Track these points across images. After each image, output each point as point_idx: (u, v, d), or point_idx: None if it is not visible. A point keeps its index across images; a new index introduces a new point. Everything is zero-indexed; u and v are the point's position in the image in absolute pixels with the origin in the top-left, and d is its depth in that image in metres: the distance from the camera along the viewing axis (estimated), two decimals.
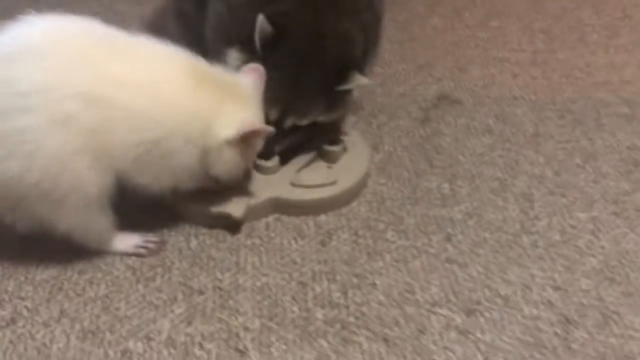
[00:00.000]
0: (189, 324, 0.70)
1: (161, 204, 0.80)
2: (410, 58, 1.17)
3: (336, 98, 0.83)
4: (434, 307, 0.72)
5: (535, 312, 0.71)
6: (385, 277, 0.75)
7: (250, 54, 0.81)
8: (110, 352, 0.67)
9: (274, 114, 0.82)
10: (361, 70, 0.83)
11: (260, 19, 0.78)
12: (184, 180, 0.74)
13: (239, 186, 0.81)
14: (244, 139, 0.73)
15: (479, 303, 0.72)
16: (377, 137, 0.98)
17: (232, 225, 0.81)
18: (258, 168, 0.85)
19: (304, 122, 0.83)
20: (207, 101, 0.71)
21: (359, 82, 0.82)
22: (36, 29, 0.68)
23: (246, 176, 0.82)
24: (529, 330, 0.69)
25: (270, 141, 0.80)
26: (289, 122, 0.83)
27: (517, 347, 0.67)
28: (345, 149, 0.90)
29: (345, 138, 0.91)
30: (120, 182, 0.72)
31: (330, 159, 0.88)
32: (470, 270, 0.76)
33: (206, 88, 0.71)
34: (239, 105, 0.73)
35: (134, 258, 0.77)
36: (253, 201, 0.81)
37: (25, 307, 0.71)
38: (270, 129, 0.74)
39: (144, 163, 0.70)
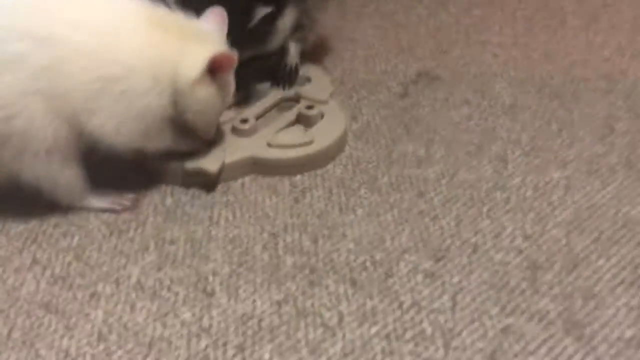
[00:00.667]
0: (159, 269, 0.71)
1: (136, 163, 0.81)
2: (393, 42, 1.19)
3: (259, 32, 0.87)
4: (403, 254, 0.72)
5: (504, 258, 0.71)
6: (357, 228, 0.76)
7: None
8: (79, 295, 0.68)
9: None
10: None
11: None
12: (152, 131, 0.74)
13: (212, 143, 0.83)
14: (214, 73, 0.74)
15: (448, 250, 0.72)
16: (357, 109, 0.99)
17: (207, 183, 0.82)
18: (235, 130, 0.87)
19: (244, 56, 0.82)
20: (169, 43, 0.72)
21: (262, 13, 0.85)
22: None
23: (219, 132, 0.83)
24: (497, 274, 0.69)
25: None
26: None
27: (484, 289, 0.67)
28: (322, 115, 0.91)
29: (321, 106, 0.93)
30: (89, 140, 0.73)
31: (307, 123, 0.90)
32: (441, 222, 0.77)
33: (167, 31, 0.72)
34: (203, 45, 0.74)
35: (108, 214, 0.78)
36: (229, 158, 0.83)
37: None
38: (235, 54, 0.74)
39: (102, 104, 0.70)
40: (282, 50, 0.98)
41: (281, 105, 0.96)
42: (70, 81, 0.69)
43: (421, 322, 0.64)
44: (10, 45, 0.67)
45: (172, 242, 0.74)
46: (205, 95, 0.75)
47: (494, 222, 0.76)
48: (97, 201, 0.78)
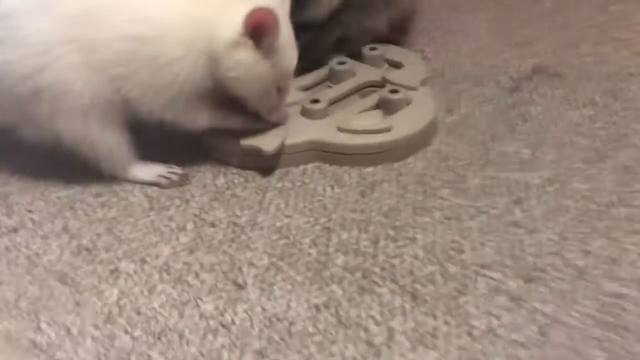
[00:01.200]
0: (191, 252, 0.61)
1: (191, 138, 0.73)
2: (508, 36, 1.03)
3: None
4: (484, 269, 0.57)
5: (618, 289, 0.54)
6: (430, 232, 0.62)
7: None
8: (99, 269, 0.60)
9: None
10: None
11: None
12: (188, 106, 0.65)
13: (277, 124, 0.73)
14: (258, 36, 0.63)
15: (543, 271, 0.56)
16: (454, 101, 0.85)
17: (264, 165, 0.72)
18: (305, 112, 0.76)
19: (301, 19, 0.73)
20: (211, 5, 0.64)
21: None
22: None
23: (284, 111, 0.73)
24: (606, 307, 0.52)
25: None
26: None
27: (587, 324, 0.51)
28: (408, 102, 0.78)
29: (409, 92, 0.80)
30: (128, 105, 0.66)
31: (388, 108, 0.77)
32: (539, 236, 0.60)
33: None
34: (245, 6, 0.63)
35: (154, 188, 0.70)
36: (290, 140, 0.72)
37: (31, 219, 0.67)
38: (275, 13, 0.63)
39: (132, 67, 0.62)
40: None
41: (364, 91, 0.84)
42: (103, 36, 0.62)
43: (495, 354, 0.49)
44: None
45: (212, 224, 0.65)
46: (245, 60, 0.64)
47: (611, 244, 0.59)
48: (143, 173, 0.71)
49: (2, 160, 0.74)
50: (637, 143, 0.74)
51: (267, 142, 0.71)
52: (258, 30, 0.64)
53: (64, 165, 0.70)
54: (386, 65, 0.89)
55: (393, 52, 0.91)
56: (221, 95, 0.68)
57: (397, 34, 0.98)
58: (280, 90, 0.70)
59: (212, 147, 0.74)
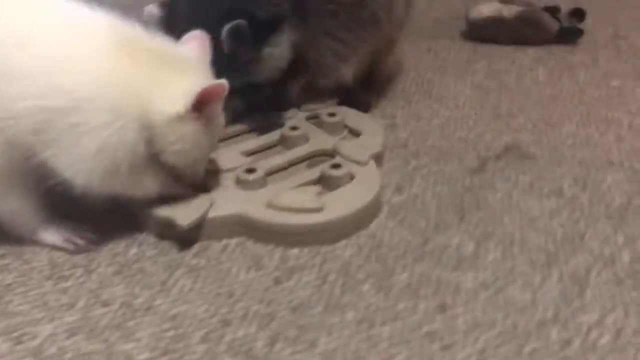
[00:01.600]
0: (70, 336, 0.56)
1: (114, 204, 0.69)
2: (490, 105, 0.96)
3: (237, 61, 0.74)
4: None
5: None
6: (335, 337, 0.55)
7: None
8: None
9: None
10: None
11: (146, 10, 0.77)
12: (122, 173, 0.60)
13: (203, 188, 0.68)
14: (201, 107, 0.60)
15: None
16: (407, 178, 0.78)
17: (181, 238, 0.67)
18: (238, 182, 0.71)
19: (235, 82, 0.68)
20: (137, 69, 0.59)
21: (229, 34, 0.71)
22: None
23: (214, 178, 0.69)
24: None
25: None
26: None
27: None
28: (350, 178, 0.72)
29: (354, 166, 0.74)
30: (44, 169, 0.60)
31: (328, 184, 0.72)
32: (454, 354, 0.53)
33: (136, 54, 0.59)
34: (184, 74, 0.60)
35: (63, 254, 0.66)
36: (214, 212, 0.67)
37: None
38: (226, 84, 0.60)
39: (48, 136, 0.58)
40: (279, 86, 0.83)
41: (313, 160, 0.79)
42: (12, 105, 0.57)
43: None
44: None
45: (105, 303, 0.59)
46: (190, 132, 0.62)
47: None
48: (50, 236, 0.66)
49: None
50: (593, 248, 0.66)
51: (184, 215, 0.65)
52: (205, 102, 0.61)
53: None
54: (345, 132, 0.84)
55: (354, 118, 0.86)
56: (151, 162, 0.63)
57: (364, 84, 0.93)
58: (209, 154, 0.68)
59: (130, 212, 0.70)
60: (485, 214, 0.72)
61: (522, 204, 0.73)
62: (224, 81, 0.61)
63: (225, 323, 0.57)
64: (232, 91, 0.62)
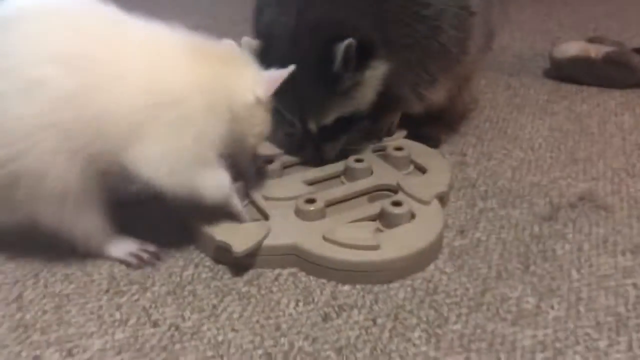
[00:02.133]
0: (118, 354, 0.57)
1: (177, 218, 0.70)
2: (567, 149, 0.92)
3: (343, 85, 0.76)
4: None
5: None
6: None
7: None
8: (24, 354, 0.57)
9: (297, 124, 0.81)
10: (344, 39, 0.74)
11: (243, 41, 0.78)
12: (204, 157, 0.64)
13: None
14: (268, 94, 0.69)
15: None
16: (472, 221, 0.75)
17: (236, 264, 0.67)
18: (298, 211, 0.71)
19: (328, 120, 0.79)
20: (219, 71, 0.66)
21: (344, 52, 0.73)
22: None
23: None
24: None
25: (318, 151, 0.81)
26: (312, 125, 0.80)
27: None
28: (411, 216, 0.71)
29: (416, 204, 0.72)
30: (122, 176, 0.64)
31: (387, 222, 0.70)
32: None
33: (212, 59, 0.66)
34: (249, 69, 0.69)
35: (122, 268, 0.68)
36: (269, 241, 0.67)
37: None
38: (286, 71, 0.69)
39: (144, 133, 0.61)
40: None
41: (375, 194, 0.77)
42: (104, 109, 0.61)
43: None
44: (37, 70, 0.59)
45: (155, 324, 0.60)
46: (265, 114, 0.70)
47: None
48: (115, 250, 0.68)
49: None
50: None
51: (240, 242, 0.66)
52: (270, 89, 0.69)
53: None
54: (411, 168, 0.83)
55: (421, 153, 0.84)
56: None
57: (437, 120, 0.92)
58: None
59: (192, 232, 0.71)
60: (551, 266, 0.68)
61: (593, 259, 0.69)
62: (284, 70, 0.69)
63: (268, 357, 0.57)
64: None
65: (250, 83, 0.68)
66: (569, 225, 0.75)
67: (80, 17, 0.64)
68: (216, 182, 0.67)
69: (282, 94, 0.70)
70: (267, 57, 0.73)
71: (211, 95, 0.65)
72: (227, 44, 0.71)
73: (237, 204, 0.69)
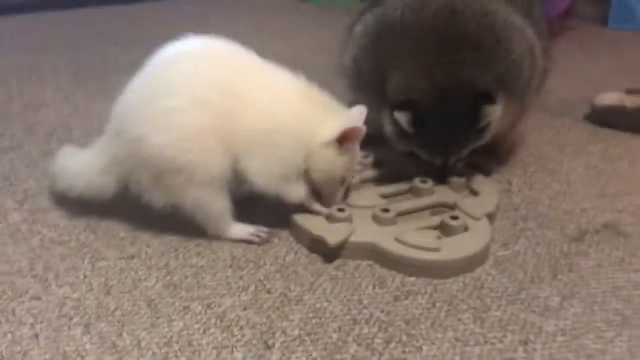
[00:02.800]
0: (244, 309, 0.78)
1: (277, 214, 0.92)
2: (598, 185, 1.09)
3: (479, 129, 0.97)
4: None
5: None
6: (436, 347, 0.73)
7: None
8: (177, 304, 0.78)
9: (439, 162, 1.00)
10: (492, 99, 0.95)
11: (396, 116, 0.95)
12: (287, 174, 0.86)
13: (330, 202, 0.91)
14: (341, 142, 0.86)
15: None
16: (513, 237, 0.94)
17: (327, 253, 0.87)
18: (375, 217, 0.91)
19: (463, 155, 1.00)
20: (313, 112, 0.87)
21: (492, 114, 0.95)
22: (194, 43, 0.89)
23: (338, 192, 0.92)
24: None
25: (444, 174, 1.01)
26: (452, 161, 1.01)
27: None
28: (465, 229, 0.89)
29: (469, 220, 0.91)
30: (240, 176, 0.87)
31: (445, 231, 0.89)
32: None
33: (314, 103, 0.87)
34: (338, 118, 0.87)
35: (239, 249, 0.89)
36: (354, 238, 0.87)
37: (146, 252, 0.88)
38: (363, 129, 0.87)
39: (256, 148, 0.85)
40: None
41: (436, 209, 0.96)
42: (239, 126, 0.84)
43: None
44: (203, 92, 0.84)
45: (269, 291, 0.81)
46: (329, 157, 0.87)
47: None
48: (239, 231, 0.91)
49: (133, 207, 0.95)
50: None
51: (332, 236, 0.86)
52: (346, 137, 0.86)
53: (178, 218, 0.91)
54: (466, 191, 1.01)
55: (475, 180, 1.03)
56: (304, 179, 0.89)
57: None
58: (343, 182, 0.91)
59: (293, 228, 0.92)
60: (575, 276, 0.86)
61: (610, 274, 0.86)
62: (361, 126, 0.87)
63: (355, 321, 0.76)
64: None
65: (327, 129, 0.86)
66: (592, 246, 0.93)
67: (230, 58, 0.89)
68: (294, 193, 0.89)
69: (428, 144, 0.96)
70: (419, 123, 0.94)
71: (298, 131, 0.86)
72: (356, 110, 0.91)
73: (313, 207, 0.90)
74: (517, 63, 1.01)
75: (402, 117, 0.94)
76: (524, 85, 1.04)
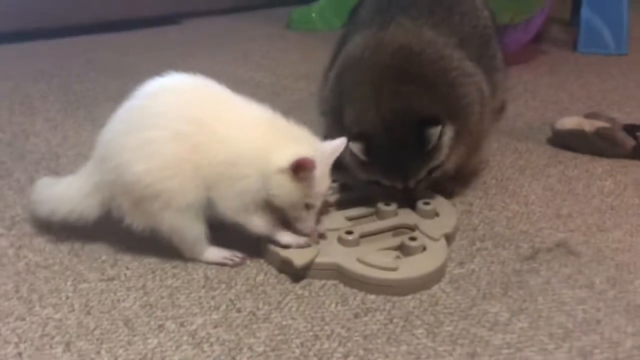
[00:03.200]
0: (215, 327, 0.84)
1: (253, 241, 0.98)
2: (554, 206, 1.16)
3: (430, 151, 1.02)
4: None
5: None
6: None
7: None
8: (152, 323, 0.85)
9: (399, 185, 1.06)
10: (435, 122, 1.00)
11: (351, 147, 1.01)
12: (247, 205, 0.92)
13: (309, 240, 0.96)
14: (295, 170, 0.90)
15: None
16: (470, 256, 1.01)
17: (295, 274, 0.94)
18: (340, 239, 0.98)
19: (421, 176, 1.05)
20: (273, 142, 0.91)
21: (437, 135, 1.00)
22: (173, 79, 0.96)
23: (319, 235, 0.97)
24: None
25: (408, 197, 1.07)
26: (411, 184, 1.06)
27: None
28: (423, 249, 0.96)
29: (428, 240, 0.98)
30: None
31: (405, 252, 0.96)
32: None
33: (275, 133, 0.92)
34: (298, 148, 0.91)
35: (213, 270, 0.95)
36: (319, 259, 0.93)
37: (125, 274, 0.95)
38: (314, 161, 0.90)
39: (221, 180, 0.91)
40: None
41: (398, 231, 1.03)
42: (208, 158, 0.91)
43: None
44: (181, 125, 0.91)
45: (239, 310, 0.87)
46: (284, 183, 0.91)
47: None
48: (214, 255, 0.97)
49: (116, 232, 1.03)
50: (604, 332, 0.84)
51: (299, 257, 0.92)
52: (299, 167, 0.90)
53: (157, 241, 0.98)
54: (433, 215, 1.08)
55: (437, 202, 1.09)
56: (269, 207, 0.94)
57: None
58: (308, 207, 0.95)
59: (265, 250, 0.98)
60: (525, 293, 0.92)
61: (557, 290, 0.93)
62: (313, 158, 0.90)
63: (317, 337, 0.83)
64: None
65: (283, 155, 0.90)
66: (543, 264, 0.99)
67: (204, 93, 0.96)
68: (256, 223, 0.94)
69: (385, 170, 1.03)
70: (370, 149, 1.01)
71: (256, 160, 0.91)
72: (332, 142, 0.98)
73: (279, 238, 0.95)
74: (468, 106, 1.08)
75: (355, 147, 1.01)
76: (475, 123, 1.10)
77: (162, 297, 0.90)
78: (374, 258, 0.93)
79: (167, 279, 0.94)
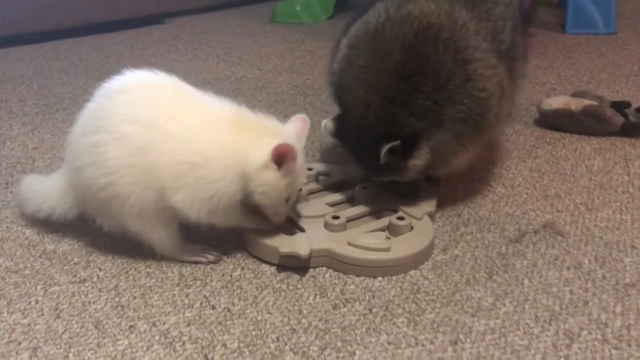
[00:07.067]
0: (188, 325, 0.81)
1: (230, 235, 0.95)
2: (541, 187, 1.13)
3: (394, 166, 0.95)
4: None
5: None
6: (368, 352, 0.76)
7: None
8: (122, 324, 0.82)
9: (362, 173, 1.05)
10: (397, 143, 0.91)
11: (323, 124, 0.99)
12: (220, 211, 0.86)
13: (283, 227, 0.93)
14: (279, 164, 0.85)
15: None
16: (453, 241, 0.97)
17: (300, 265, 0.91)
18: (326, 225, 0.95)
19: (384, 180, 1.01)
20: (244, 139, 0.86)
21: (386, 157, 0.91)
22: (127, 78, 0.90)
23: (285, 211, 0.93)
24: None
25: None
26: (373, 179, 1.03)
27: None
28: (411, 228, 0.94)
29: (414, 220, 0.95)
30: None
31: (394, 231, 0.94)
32: None
33: (245, 130, 0.86)
34: (275, 140, 0.85)
35: (187, 268, 0.92)
36: (315, 246, 0.91)
37: (97, 275, 0.91)
38: (296, 146, 0.86)
39: (183, 183, 0.85)
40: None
41: (380, 213, 1.00)
42: (160, 160, 0.85)
43: None
44: (126, 127, 0.85)
45: (213, 307, 0.84)
46: (269, 179, 0.86)
47: None
48: (188, 253, 0.94)
49: (90, 233, 1.00)
50: (592, 313, 0.81)
51: (302, 248, 0.89)
52: (281, 158, 0.86)
53: (131, 240, 0.95)
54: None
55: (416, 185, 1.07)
56: (244, 204, 0.90)
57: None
58: (288, 200, 0.91)
59: (248, 246, 0.95)
60: (510, 276, 0.89)
61: (543, 272, 0.90)
62: (292, 144, 0.86)
63: (293, 331, 0.80)
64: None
65: (264, 150, 0.84)
66: (530, 246, 0.96)
67: (159, 91, 0.90)
68: (227, 221, 0.90)
69: (351, 154, 1.00)
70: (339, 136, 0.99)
71: (228, 161, 0.85)
72: (298, 118, 0.93)
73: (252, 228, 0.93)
74: (484, 100, 0.94)
75: (326, 125, 0.99)
76: (490, 121, 0.97)
77: (134, 297, 0.87)
78: (365, 240, 0.91)
79: (141, 279, 0.91)
